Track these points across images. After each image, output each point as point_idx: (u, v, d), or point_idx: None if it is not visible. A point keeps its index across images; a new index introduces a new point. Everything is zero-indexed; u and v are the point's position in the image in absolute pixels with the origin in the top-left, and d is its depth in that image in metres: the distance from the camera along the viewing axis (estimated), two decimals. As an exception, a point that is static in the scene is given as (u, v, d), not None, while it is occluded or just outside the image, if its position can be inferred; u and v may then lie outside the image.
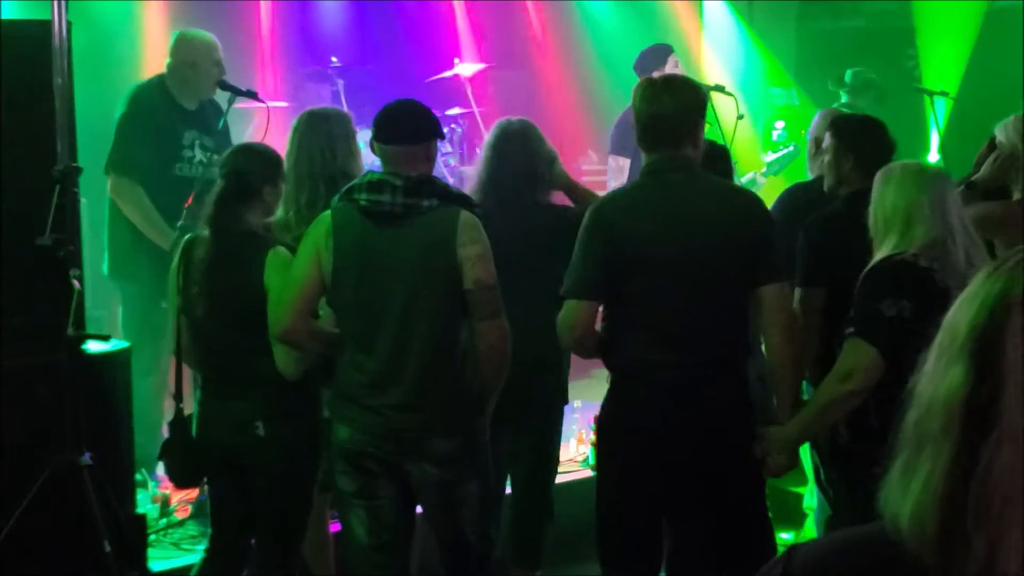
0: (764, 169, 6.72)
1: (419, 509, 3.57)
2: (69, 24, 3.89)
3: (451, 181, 6.09)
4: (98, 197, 5.35)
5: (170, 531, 4.69)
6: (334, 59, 7.10)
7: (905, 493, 1.06)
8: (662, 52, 6.45)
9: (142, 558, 4.03)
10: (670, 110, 3.32)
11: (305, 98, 6.81)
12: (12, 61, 3.93)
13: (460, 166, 7.03)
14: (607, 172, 6.25)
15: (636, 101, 3.39)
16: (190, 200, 4.91)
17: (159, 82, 5.37)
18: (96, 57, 5.72)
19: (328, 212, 3.45)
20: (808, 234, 3.93)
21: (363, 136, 4.26)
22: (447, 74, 7.24)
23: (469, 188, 4.15)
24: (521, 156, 4.04)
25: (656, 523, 3.45)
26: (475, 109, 7.13)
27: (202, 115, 5.34)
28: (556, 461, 4.29)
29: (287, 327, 3.39)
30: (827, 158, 4.02)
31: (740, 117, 5.93)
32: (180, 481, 3.86)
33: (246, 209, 3.58)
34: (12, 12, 5.13)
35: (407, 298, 3.34)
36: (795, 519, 5.26)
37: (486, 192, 4.00)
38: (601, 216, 3.35)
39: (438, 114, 3.62)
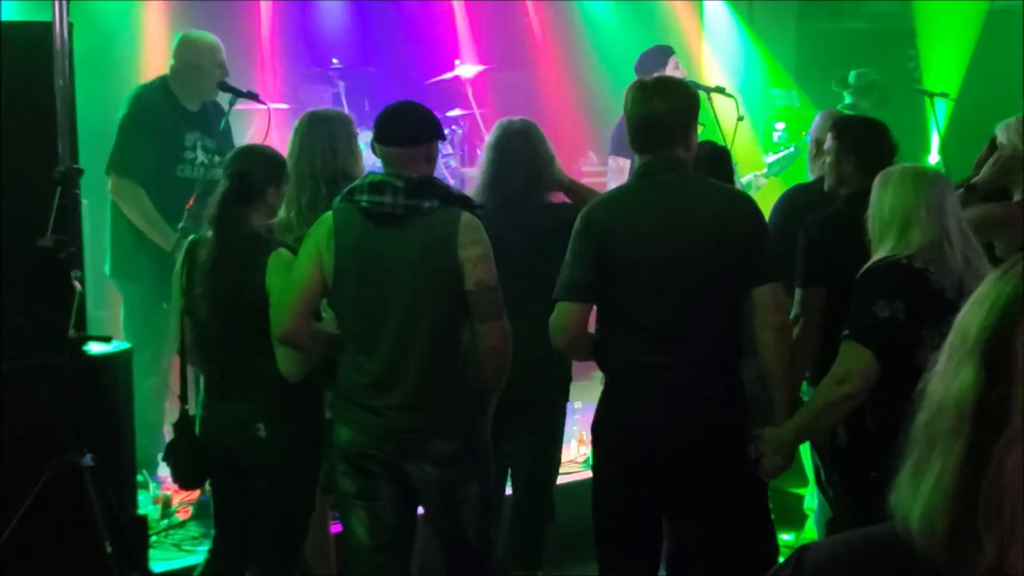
0: (765, 170, 6.72)
1: (420, 510, 3.58)
2: (70, 25, 3.89)
3: (452, 182, 6.09)
4: (99, 198, 5.36)
5: (171, 532, 4.69)
6: (335, 60, 7.11)
7: (915, 494, 1.06)
8: (663, 53, 6.45)
9: (143, 559, 4.03)
10: (662, 112, 3.32)
11: (306, 100, 6.81)
12: (13, 62, 3.93)
13: (461, 167, 7.04)
14: (607, 173, 6.25)
15: (628, 103, 3.39)
16: (191, 201, 4.92)
17: (161, 83, 5.37)
18: (97, 58, 5.72)
19: (329, 213, 3.45)
20: (808, 235, 3.93)
21: (364, 138, 4.27)
22: (448, 76, 7.24)
23: (471, 189, 4.15)
24: (523, 156, 4.05)
25: (655, 523, 3.45)
26: (476, 110, 7.13)
27: (204, 116, 5.34)
28: (557, 462, 4.29)
29: (288, 328, 3.39)
30: (828, 159, 4.03)
31: (740, 118, 5.93)
32: (184, 482, 3.86)
33: (250, 210, 3.58)
34: (13, 13, 5.13)
35: (408, 299, 3.34)
36: (796, 520, 5.26)
37: (488, 192, 4.00)
38: (593, 218, 3.36)
39: (439, 115, 3.63)
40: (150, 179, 5.16)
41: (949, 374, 1.07)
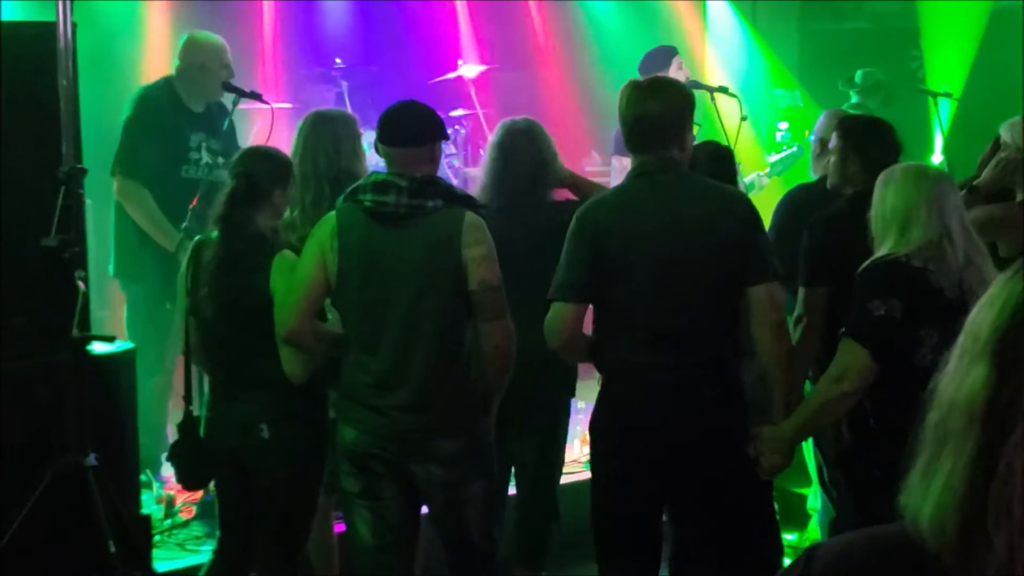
0: (768, 170, 6.72)
1: (424, 509, 3.58)
2: (74, 25, 3.89)
3: (455, 182, 6.09)
4: (103, 198, 5.36)
5: (175, 532, 4.70)
6: (338, 60, 7.10)
7: (925, 494, 1.06)
8: (667, 54, 6.45)
9: (147, 559, 4.03)
10: (656, 112, 3.32)
11: (309, 99, 6.80)
12: (17, 62, 3.93)
13: (464, 167, 7.03)
14: (611, 173, 6.24)
15: (622, 104, 3.39)
16: (195, 201, 4.92)
17: (166, 84, 5.37)
18: (99, 58, 5.71)
19: (333, 213, 3.45)
20: (811, 234, 3.93)
21: (368, 138, 4.27)
22: (451, 75, 7.24)
23: (475, 189, 4.15)
24: (526, 155, 4.05)
25: (654, 523, 3.45)
26: (479, 110, 7.13)
27: (209, 117, 5.34)
28: (561, 461, 4.29)
29: (292, 328, 3.40)
30: (833, 158, 4.03)
31: (744, 118, 5.92)
32: (188, 483, 3.87)
33: (255, 211, 3.59)
34: (16, 14, 5.14)
35: (412, 299, 3.34)
36: (799, 520, 5.26)
37: (492, 192, 4.00)
38: (588, 218, 3.36)
39: (442, 115, 3.63)
40: (155, 180, 5.17)
41: (960, 374, 1.07)
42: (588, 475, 4.19)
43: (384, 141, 3.43)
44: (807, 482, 5.14)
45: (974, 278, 3.26)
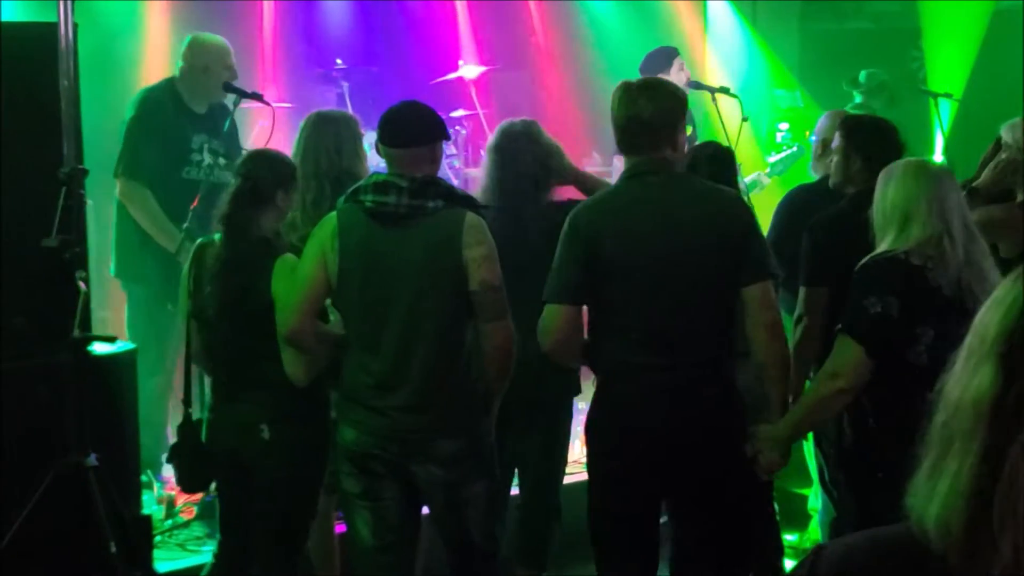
0: (768, 170, 6.72)
1: (425, 510, 3.58)
2: (75, 26, 3.90)
3: (456, 183, 6.09)
4: (104, 199, 5.36)
5: (175, 532, 4.70)
6: (339, 61, 7.10)
7: (931, 494, 1.06)
8: (668, 55, 6.46)
9: (147, 559, 4.04)
10: (648, 113, 3.32)
11: (310, 100, 6.80)
12: (18, 63, 3.94)
13: (465, 168, 7.03)
14: (612, 173, 6.24)
15: (614, 105, 3.39)
16: (195, 203, 4.93)
17: (169, 85, 5.38)
18: (99, 58, 5.72)
19: (334, 214, 3.46)
20: (812, 234, 3.94)
21: (369, 138, 4.28)
22: (451, 76, 7.24)
23: (476, 190, 4.15)
24: (526, 157, 4.04)
25: (651, 523, 3.45)
26: (479, 111, 7.13)
27: (211, 118, 5.35)
28: (564, 461, 4.29)
29: (294, 328, 3.40)
30: (836, 157, 4.03)
31: (744, 119, 5.92)
32: (188, 485, 3.87)
33: (259, 214, 3.59)
34: (17, 14, 5.14)
35: (412, 299, 3.34)
36: (800, 520, 5.26)
37: (492, 195, 4.00)
38: (581, 220, 3.36)
39: (443, 116, 3.63)
40: (157, 181, 5.18)
41: (967, 375, 1.07)
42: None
43: (385, 142, 3.43)
44: (808, 483, 5.14)
45: (973, 276, 3.25)
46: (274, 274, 3.51)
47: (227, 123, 5.26)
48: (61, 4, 3.84)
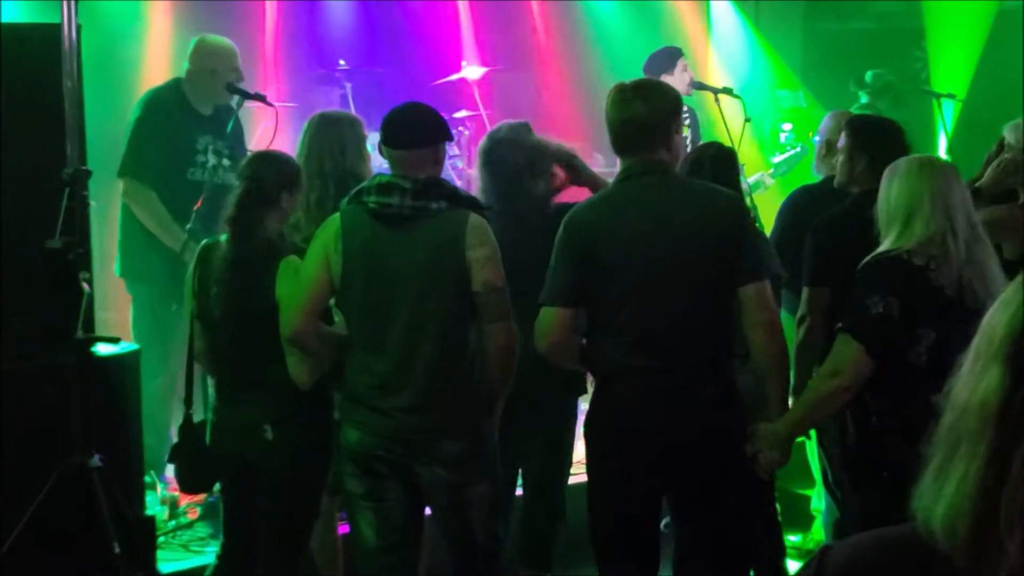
0: (772, 171, 6.72)
1: (428, 511, 3.58)
2: (78, 27, 3.90)
3: (459, 183, 6.09)
4: (107, 200, 5.37)
5: (179, 533, 4.71)
6: (342, 62, 7.11)
7: (937, 496, 1.06)
8: (672, 55, 6.45)
9: (151, 560, 4.05)
10: (642, 115, 3.32)
11: (314, 101, 6.81)
12: (22, 64, 3.94)
13: (468, 168, 7.03)
14: (615, 175, 6.24)
15: (608, 107, 3.39)
16: (199, 203, 4.93)
17: (175, 86, 5.38)
18: (102, 59, 5.72)
19: (337, 215, 3.46)
20: (816, 234, 3.94)
21: (372, 140, 4.28)
22: (454, 77, 7.24)
23: (478, 190, 4.14)
24: (517, 158, 4.00)
25: (651, 524, 3.45)
26: (482, 112, 7.13)
27: (217, 120, 5.35)
28: (569, 462, 4.28)
29: (297, 328, 3.40)
30: (841, 157, 4.04)
31: (747, 120, 5.92)
32: (189, 486, 3.87)
33: (264, 215, 3.59)
34: (21, 15, 5.15)
35: (416, 300, 3.34)
36: (803, 521, 5.26)
37: (488, 197, 3.99)
38: (575, 223, 3.36)
39: (446, 117, 3.62)
40: (161, 182, 5.18)
41: (974, 377, 1.06)
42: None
43: (388, 143, 3.43)
44: (811, 483, 5.14)
45: (975, 274, 3.25)
46: (278, 275, 3.51)
47: (231, 123, 5.27)
48: (65, 5, 3.84)
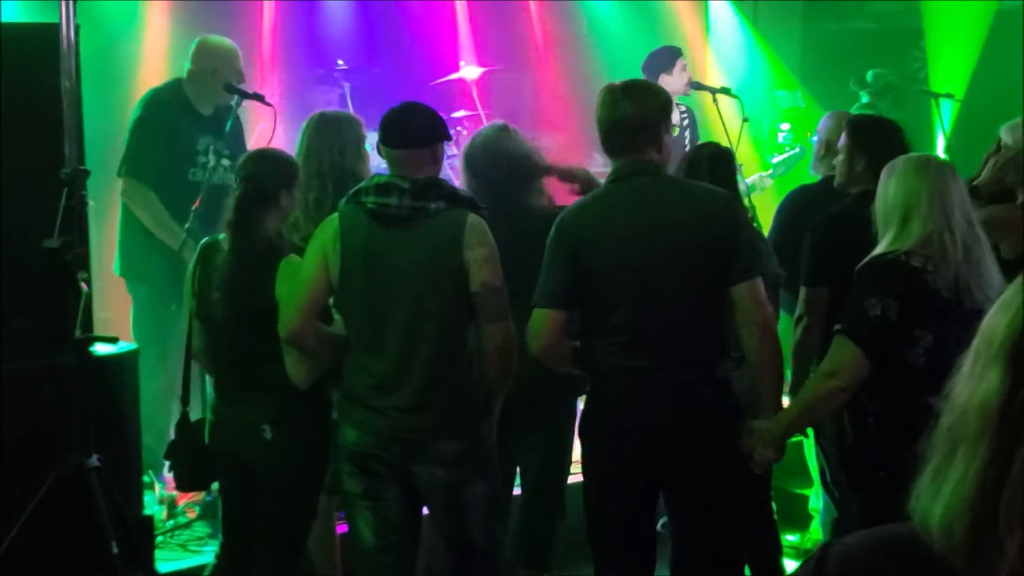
0: (770, 171, 6.72)
1: (425, 510, 3.58)
2: (77, 27, 3.90)
3: (457, 184, 6.09)
4: (105, 199, 5.37)
5: (177, 533, 4.70)
6: (341, 62, 7.10)
7: (935, 497, 1.06)
8: (671, 55, 6.46)
9: (149, 560, 4.05)
10: (631, 115, 3.32)
11: (313, 101, 6.80)
12: (20, 64, 3.94)
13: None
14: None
15: (598, 108, 3.40)
16: (197, 203, 4.93)
17: (176, 86, 5.38)
18: (100, 59, 5.72)
19: (336, 215, 3.46)
20: (814, 234, 3.94)
21: (370, 140, 4.28)
22: (452, 77, 7.24)
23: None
24: (500, 161, 3.98)
25: (647, 524, 3.45)
26: (481, 112, 7.13)
27: (217, 120, 5.35)
28: (568, 462, 4.28)
29: (295, 328, 3.40)
30: (841, 156, 4.04)
31: (745, 120, 5.92)
32: (186, 484, 3.87)
33: (263, 215, 3.59)
34: (19, 15, 5.14)
35: (414, 300, 3.34)
36: (800, 521, 5.26)
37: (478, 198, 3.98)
38: (567, 224, 3.36)
39: (444, 117, 3.62)
40: (161, 182, 5.19)
41: (974, 378, 1.06)
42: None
43: (386, 143, 3.43)
44: (808, 483, 5.14)
45: (972, 273, 3.25)
46: (279, 275, 3.51)
47: (229, 122, 5.27)
48: (63, 5, 3.84)
